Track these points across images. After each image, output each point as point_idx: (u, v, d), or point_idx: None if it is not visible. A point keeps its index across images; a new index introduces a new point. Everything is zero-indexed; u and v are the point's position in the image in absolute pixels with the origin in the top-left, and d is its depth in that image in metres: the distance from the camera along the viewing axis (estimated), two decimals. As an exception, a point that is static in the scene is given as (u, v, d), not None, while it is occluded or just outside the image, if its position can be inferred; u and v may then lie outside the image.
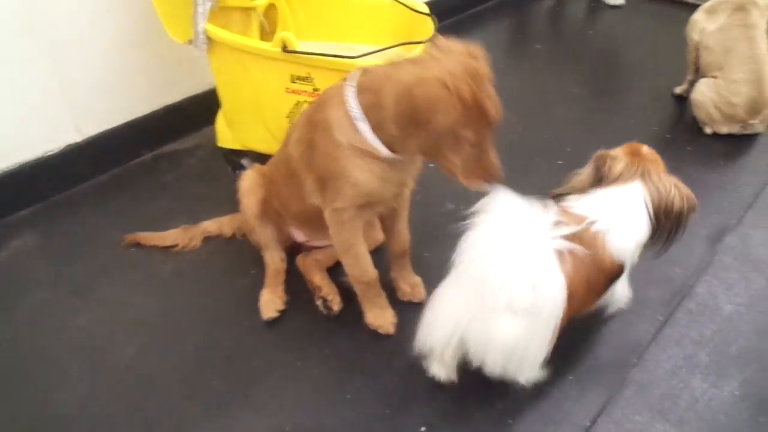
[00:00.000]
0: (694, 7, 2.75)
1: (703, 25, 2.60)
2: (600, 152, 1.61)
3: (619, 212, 1.51)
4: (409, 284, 1.86)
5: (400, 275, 1.86)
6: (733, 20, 2.50)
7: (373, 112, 1.42)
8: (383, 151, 1.46)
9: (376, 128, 1.44)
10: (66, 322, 1.81)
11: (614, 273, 1.52)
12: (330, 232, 1.65)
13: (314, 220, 1.69)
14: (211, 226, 2.06)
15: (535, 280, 1.28)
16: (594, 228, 1.45)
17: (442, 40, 1.40)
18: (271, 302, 1.81)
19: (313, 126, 1.54)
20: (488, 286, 1.28)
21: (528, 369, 1.46)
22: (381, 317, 1.76)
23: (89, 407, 1.59)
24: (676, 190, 1.53)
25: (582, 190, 1.58)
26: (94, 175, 2.33)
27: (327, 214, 1.61)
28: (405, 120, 1.35)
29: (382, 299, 1.78)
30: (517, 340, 1.35)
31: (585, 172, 1.62)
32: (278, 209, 1.85)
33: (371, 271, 1.72)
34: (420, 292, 1.85)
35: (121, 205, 2.23)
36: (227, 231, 2.06)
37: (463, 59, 1.34)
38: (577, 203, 1.52)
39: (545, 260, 1.32)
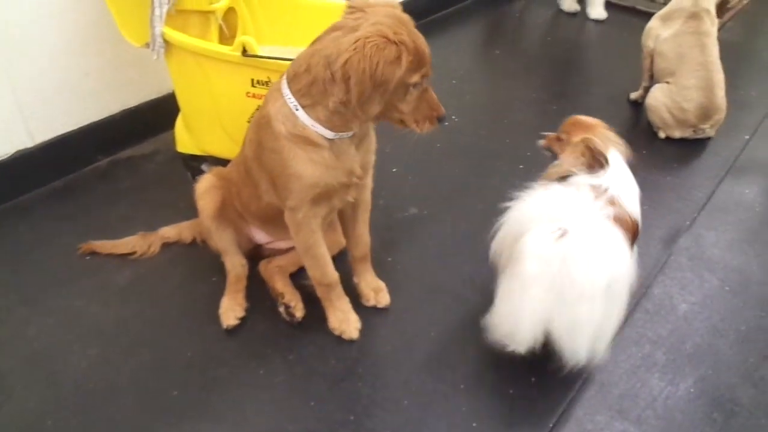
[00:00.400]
0: (649, 15, 2.83)
1: (657, 32, 2.67)
2: (584, 142, 1.64)
3: (617, 176, 1.60)
4: (373, 289, 1.85)
5: (362, 280, 1.85)
6: (686, 27, 2.57)
7: (308, 93, 1.42)
8: (324, 132, 1.46)
9: (314, 109, 1.44)
10: (15, 333, 1.74)
11: (635, 232, 1.59)
12: (291, 233, 1.64)
13: (275, 219, 1.68)
14: (170, 231, 2.01)
15: (607, 261, 1.39)
16: (611, 193, 1.53)
17: (353, 3, 1.43)
18: (230, 310, 1.78)
19: (258, 125, 1.55)
20: (568, 277, 1.37)
21: (604, 347, 1.54)
22: (345, 322, 1.75)
23: (39, 423, 1.53)
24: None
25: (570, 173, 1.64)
26: (46, 182, 2.26)
27: (285, 216, 1.61)
28: (367, 89, 1.34)
29: (345, 303, 1.77)
30: (601, 322, 1.45)
31: (570, 161, 1.65)
32: (239, 209, 1.83)
33: (332, 273, 1.72)
34: (384, 297, 1.84)
35: (75, 211, 2.16)
36: (187, 236, 2.01)
37: (385, 11, 1.38)
38: (582, 177, 1.59)
39: (610, 237, 1.42)
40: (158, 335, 1.75)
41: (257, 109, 1.89)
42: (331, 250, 1.94)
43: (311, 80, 1.39)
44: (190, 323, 1.79)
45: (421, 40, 1.38)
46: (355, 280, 1.86)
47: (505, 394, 1.62)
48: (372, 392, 1.62)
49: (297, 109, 1.44)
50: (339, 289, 1.75)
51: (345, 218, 1.79)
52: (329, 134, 1.47)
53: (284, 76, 1.47)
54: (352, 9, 1.39)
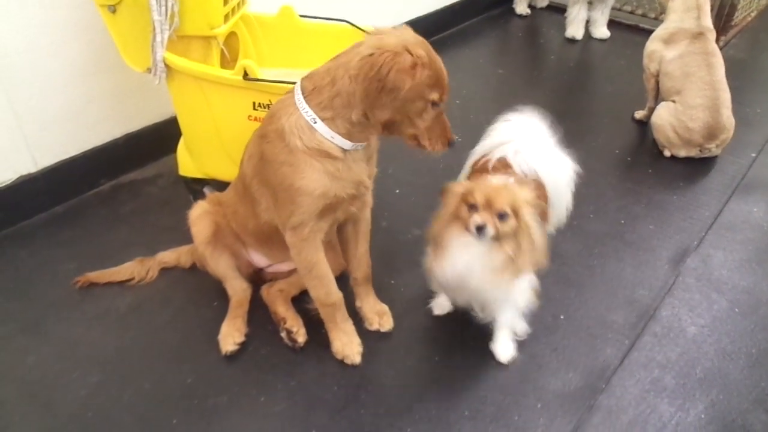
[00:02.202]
0: (650, 32, 2.82)
1: (661, 54, 2.66)
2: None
3: None
4: (376, 312, 1.83)
5: (365, 303, 1.83)
6: (693, 48, 2.56)
7: (329, 106, 1.43)
8: (343, 143, 1.47)
9: (334, 122, 1.45)
10: (14, 362, 1.72)
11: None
12: (291, 254, 1.62)
13: (272, 238, 1.67)
14: (169, 256, 2.00)
15: None
16: None
17: (376, 30, 1.48)
18: (229, 335, 1.76)
19: (263, 139, 1.54)
20: None
21: None
22: (348, 346, 1.73)
23: (38, 453, 1.51)
24: None
25: None
26: (48, 207, 2.26)
27: (287, 237, 1.59)
28: (374, 92, 1.37)
29: (349, 325, 1.75)
30: None
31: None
32: (236, 230, 1.82)
33: (336, 292, 1.70)
34: (388, 321, 1.82)
35: (77, 236, 2.15)
36: (186, 261, 2.00)
37: (408, 32, 1.43)
38: None
39: None
40: (158, 362, 1.73)
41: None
42: (333, 272, 1.93)
43: (335, 93, 1.42)
44: (191, 349, 1.77)
45: (440, 62, 1.43)
46: (358, 304, 1.84)
47: (510, 421, 1.58)
48: (375, 420, 1.59)
49: (315, 122, 1.45)
50: (343, 310, 1.74)
51: (346, 239, 1.78)
52: (347, 144, 1.48)
53: (297, 91, 1.49)
54: (376, 31, 1.45)
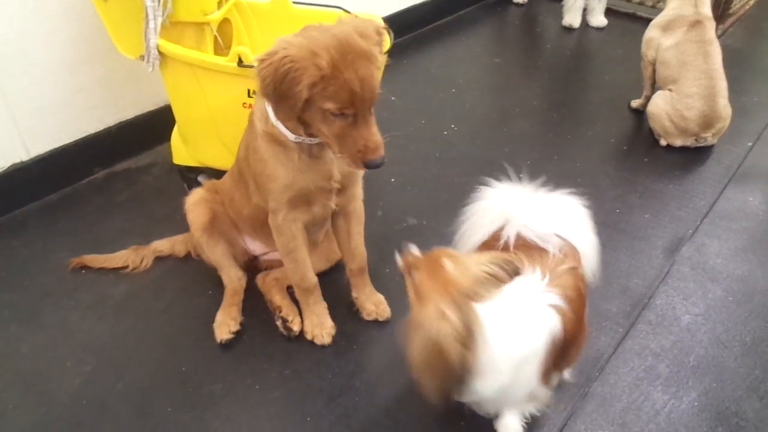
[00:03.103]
0: (647, 20, 2.81)
1: (659, 41, 2.65)
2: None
3: None
4: (373, 303, 1.83)
5: (361, 293, 1.83)
6: (690, 36, 2.55)
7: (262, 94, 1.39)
8: (287, 133, 1.45)
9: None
10: (8, 350, 1.72)
11: None
12: (273, 236, 1.64)
13: (265, 224, 1.67)
14: (163, 245, 1.99)
15: None
16: None
17: (346, 16, 1.40)
18: (224, 323, 1.76)
19: (248, 124, 1.56)
20: None
21: None
22: (318, 326, 1.75)
23: (33, 441, 1.51)
24: None
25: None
26: (42, 195, 2.24)
27: (270, 219, 1.61)
28: (269, 87, 1.31)
29: (322, 308, 1.77)
30: None
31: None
32: (232, 216, 1.82)
33: (311, 278, 1.72)
34: (385, 310, 1.82)
35: (71, 225, 2.14)
36: (180, 250, 2.00)
37: (344, 33, 1.31)
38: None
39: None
40: (153, 350, 1.73)
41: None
42: (328, 262, 1.93)
43: (269, 81, 1.33)
44: (186, 338, 1.77)
45: (358, 73, 1.29)
46: (354, 294, 1.84)
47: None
48: (369, 407, 1.59)
49: (268, 107, 1.44)
50: (317, 294, 1.76)
51: (339, 231, 1.77)
52: (291, 136, 1.46)
53: None
54: (305, 27, 1.36)
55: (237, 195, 1.75)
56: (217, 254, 1.82)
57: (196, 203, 1.81)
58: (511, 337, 1.22)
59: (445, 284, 1.20)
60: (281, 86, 1.29)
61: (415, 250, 1.36)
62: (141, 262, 1.95)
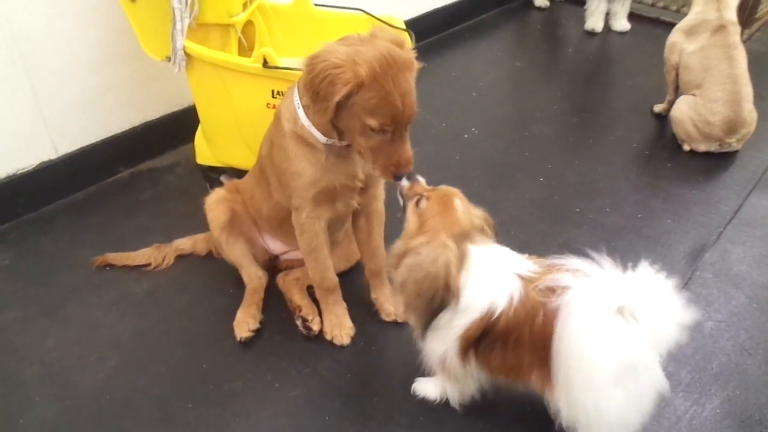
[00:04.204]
0: (671, 25, 2.78)
1: (682, 46, 2.63)
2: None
3: None
4: (392, 304, 1.83)
5: (381, 295, 1.83)
6: (714, 41, 2.52)
7: (305, 93, 1.40)
8: (317, 135, 1.47)
9: (308, 110, 1.44)
10: (34, 344, 1.75)
11: None
12: (296, 234, 1.65)
13: (285, 222, 1.68)
14: (185, 243, 2.02)
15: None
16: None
17: (380, 27, 1.42)
18: (244, 322, 1.77)
19: (273, 121, 1.58)
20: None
21: None
22: (337, 327, 1.75)
23: (56, 433, 1.54)
24: None
25: None
26: (69, 193, 2.29)
27: (293, 216, 1.62)
28: (308, 90, 1.34)
29: (341, 308, 1.78)
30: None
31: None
32: (252, 215, 1.84)
33: (332, 277, 1.73)
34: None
35: (96, 223, 2.18)
36: (201, 249, 2.02)
37: (384, 44, 1.33)
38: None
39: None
40: (175, 347, 1.75)
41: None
42: (347, 262, 1.94)
43: (309, 80, 1.36)
44: (207, 335, 1.79)
45: (400, 89, 1.32)
46: (373, 295, 1.84)
47: (523, 411, 1.58)
48: (388, 408, 1.59)
49: (298, 108, 1.46)
50: (337, 294, 1.77)
51: (359, 231, 1.79)
52: (321, 138, 1.47)
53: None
54: (373, 32, 1.39)
55: (257, 193, 1.77)
56: (236, 253, 1.84)
57: (216, 202, 1.83)
58: (485, 280, 1.32)
59: (452, 222, 1.36)
60: (320, 86, 1.31)
61: (422, 180, 1.47)
62: (163, 260, 1.98)
